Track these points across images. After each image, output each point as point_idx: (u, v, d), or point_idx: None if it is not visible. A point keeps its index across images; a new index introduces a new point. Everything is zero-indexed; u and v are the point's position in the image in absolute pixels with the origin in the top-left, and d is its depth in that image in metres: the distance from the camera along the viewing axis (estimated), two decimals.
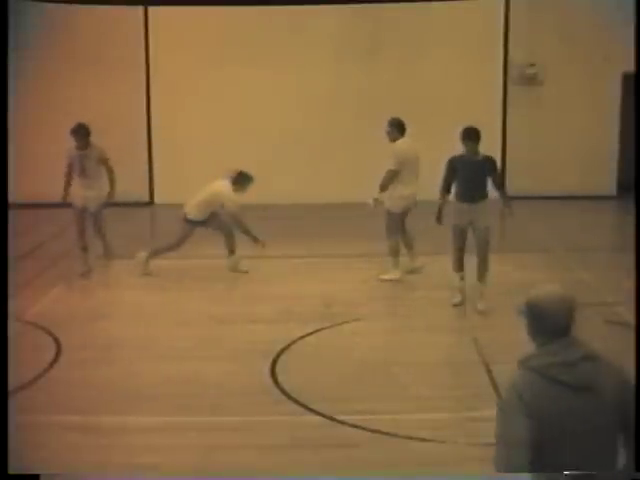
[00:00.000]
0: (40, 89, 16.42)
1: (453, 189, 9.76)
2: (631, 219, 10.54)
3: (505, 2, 16.73)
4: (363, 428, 6.78)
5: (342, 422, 6.90)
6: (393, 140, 10.92)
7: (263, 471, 6.15)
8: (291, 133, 16.47)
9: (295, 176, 16.27)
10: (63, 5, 16.17)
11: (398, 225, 11.08)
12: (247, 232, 11.33)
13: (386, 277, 11.05)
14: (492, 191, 9.81)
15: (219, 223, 11.61)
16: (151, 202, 17.24)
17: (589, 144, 16.73)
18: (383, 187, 10.80)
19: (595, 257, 12.33)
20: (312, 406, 7.19)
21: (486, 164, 9.68)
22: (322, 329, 9.22)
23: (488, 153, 9.89)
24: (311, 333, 9.09)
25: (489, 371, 7.72)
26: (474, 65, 16.57)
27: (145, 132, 17.03)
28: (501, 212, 10.34)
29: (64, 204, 11.46)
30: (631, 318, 8.62)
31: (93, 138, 11.25)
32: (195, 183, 11.81)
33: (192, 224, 11.45)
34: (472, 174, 9.58)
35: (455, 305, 9.90)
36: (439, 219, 9.80)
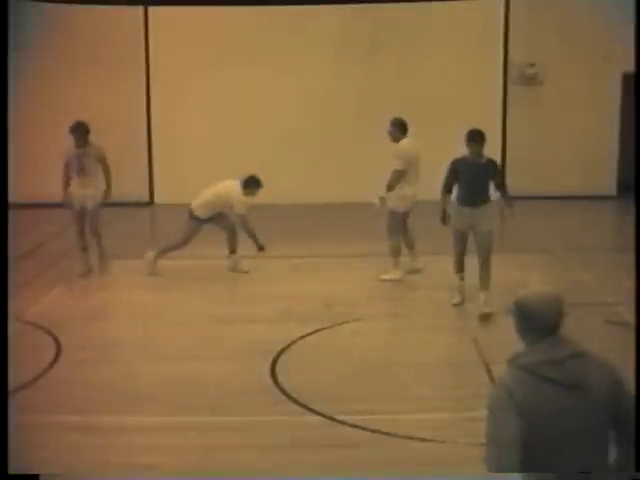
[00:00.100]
0: (40, 89, 16.42)
1: (454, 192, 9.67)
2: (631, 219, 10.54)
3: (505, 2, 16.73)
4: (363, 428, 6.78)
5: (342, 422, 6.90)
6: (395, 140, 10.92)
7: (263, 471, 6.15)
8: (291, 133, 16.47)
9: (295, 176, 16.27)
10: (63, 5, 16.16)
11: (400, 225, 11.08)
12: (253, 236, 11.33)
13: (386, 277, 11.05)
14: (493, 192, 9.78)
15: (225, 222, 11.62)
16: (151, 202, 17.24)
17: (589, 144, 16.74)
18: (390, 187, 10.79)
19: (595, 257, 12.33)
20: (312, 406, 7.19)
21: (489, 167, 9.59)
22: (322, 329, 9.22)
23: (488, 153, 9.82)
24: (311, 333, 9.09)
25: (489, 371, 7.72)
26: (474, 65, 16.57)
27: (145, 132, 17.03)
28: (501, 212, 10.34)
29: (64, 204, 11.45)
30: (631, 318, 8.62)
31: (93, 138, 11.23)
32: (195, 183, 11.82)
33: (198, 221, 11.46)
34: (475, 177, 9.47)
35: (455, 305, 9.90)
36: (444, 220, 9.69)
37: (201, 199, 11.47)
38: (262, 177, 11.52)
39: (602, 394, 3.63)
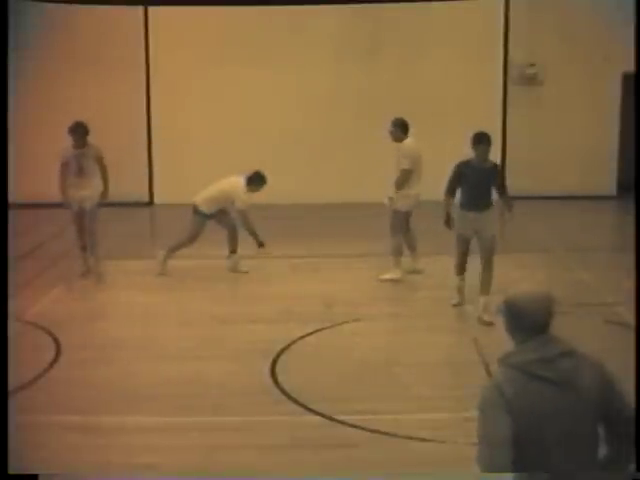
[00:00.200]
0: (40, 89, 16.43)
1: (458, 195, 9.56)
2: (631, 219, 10.53)
3: (505, 2, 16.73)
4: (363, 428, 6.78)
5: (342, 422, 6.90)
6: (396, 140, 10.91)
7: (263, 471, 6.15)
8: (291, 133, 16.47)
9: (295, 176, 16.26)
10: (63, 5, 16.17)
11: (403, 224, 11.08)
12: (253, 233, 11.34)
13: (386, 277, 11.04)
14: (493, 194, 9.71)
15: (227, 220, 11.63)
16: (151, 202, 17.24)
17: (589, 144, 16.73)
18: (399, 186, 10.80)
19: (595, 257, 12.33)
20: (312, 406, 7.19)
21: (493, 171, 9.50)
22: (322, 329, 9.22)
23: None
24: (311, 333, 9.09)
25: (489, 371, 7.71)
26: (474, 65, 16.56)
27: (145, 132, 17.03)
28: (501, 214, 10.30)
29: (64, 204, 11.43)
30: (631, 318, 8.62)
31: (93, 138, 11.19)
32: (195, 183, 11.82)
33: (203, 217, 11.48)
34: (480, 182, 9.35)
35: (454, 306, 9.89)
36: (448, 223, 9.56)
37: (205, 194, 11.50)
38: None
39: (592, 393, 3.65)
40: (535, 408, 3.57)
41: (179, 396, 7.50)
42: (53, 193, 11.53)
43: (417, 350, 8.73)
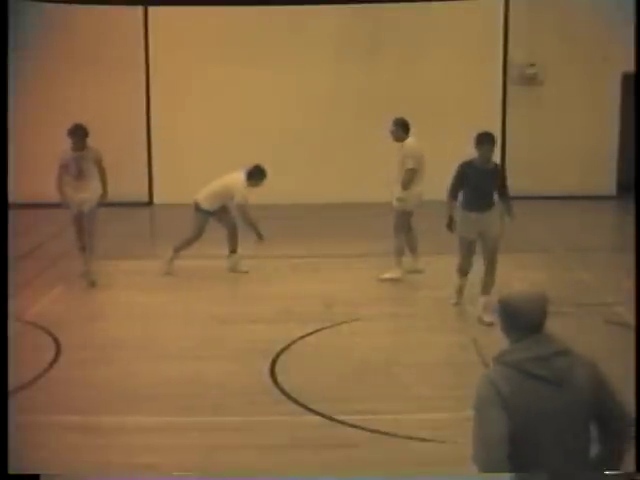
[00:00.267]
0: (40, 89, 16.42)
1: (460, 196, 9.48)
2: (631, 219, 10.53)
3: (505, 2, 16.73)
4: (363, 428, 6.78)
5: (342, 422, 6.90)
6: (398, 140, 10.91)
7: (263, 471, 6.15)
8: (291, 133, 16.47)
9: (295, 176, 16.26)
10: (62, 5, 16.17)
11: (406, 224, 11.06)
12: (253, 225, 11.33)
13: (387, 276, 11.04)
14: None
15: (228, 218, 11.63)
16: (150, 202, 17.23)
17: (589, 144, 16.73)
18: (406, 186, 10.79)
19: (595, 257, 12.33)
20: (312, 406, 7.19)
21: (495, 172, 9.45)
22: (322, 329, 9.22)
23: None
24: (311, 333, 9.09)
25: None
26: (474, 65, 16.57)
27: (145, 132, 17.03)
28: (501, 216, 10.24)
29: (64, 204, 11.41)
30: (631, 318, 8.62)
31: (92, 138, 11.12)
32: (195, 183, 11.81)
33: (205, 214, 11.49)
34: (483, 182, 9.29)
35: (454, 305, 9.88)
36: (450, 226, 9.48)
37: (206, 191, 11.53)
38: None
39: (586, 392, 3.68)
40: (531, 406, 3.60)
41: (179, 396, 7.50)
42: (53, 193, 11.51)
43: (417, 350, 8.72)
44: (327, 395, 7.44)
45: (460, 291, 9.88)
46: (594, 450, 3.77)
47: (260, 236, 11.35)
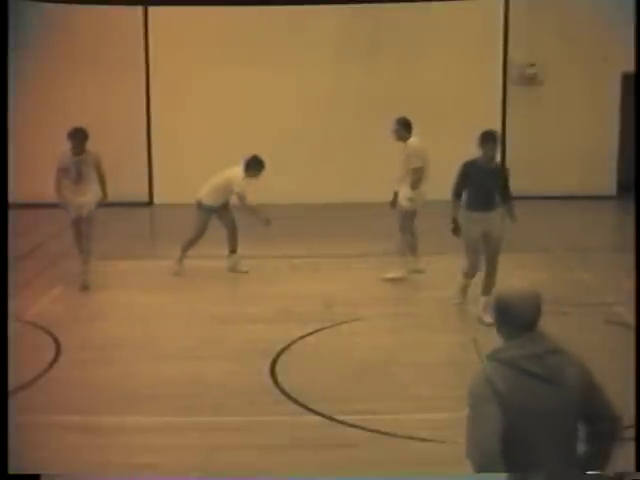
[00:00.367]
0: (39, 89, 16.43)
1: (464, 195, 9.39)
2: (631, 219, 10.54)
3: (505, 2, 16.74)
4: (363, 428, 6.78)
5: (342, 422, 6.90)
6: (400, 139, 10.90)
7: (263, 471, 6.15)
8: (291, 133, 16.47)
9: (295, 176, 16.27)
10: (62, 5, 16.18)
11: (411, 223, 11.04)
12: (256, 212, 11.32)
13: (390, 276, 11.01)
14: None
15: (228, 217, 11.62)
16: (151, 202, 17.24)
17: (589, 144, 16.74)
18: (415, 185, 10.78)
19: (595, 257, 12.33)
20: (312, 406, 7.19)
21: (500, 172, 9.41)
22: (322, 329, 9.22)
23: None
24: (311, 333, 9.09)
25: None
26: (474, 65, 16.57)
27: (145, 132, 17.04)
28: (502, 217, 10.20)
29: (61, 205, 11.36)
30: (631, 318, 8.62)
31: (92, 139, 11.04)
32: (195, 183, 11.81)
33: (207, 211, 11.50)
34: (486, 181, 9.22)
35: (457, 304, 9.86)
36: (455, 231, 9.35)
37: (207, 187, 11.55)
38: (262, 177, 11.53)
39: (576, 391, 3.71)
40: (525, 403, 3.63)
41: (179, 396, 7.50)
42: (52, 194, 11.50)
43: (417, 350, 8.72)
44: (327, 395, 7.44)
45: (464, 291, 9.84)
46: (580, 450, 3.80)
47: (267, 221, 11.34)
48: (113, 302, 10.69)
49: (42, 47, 16.36)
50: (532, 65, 16.77)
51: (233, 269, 11.67)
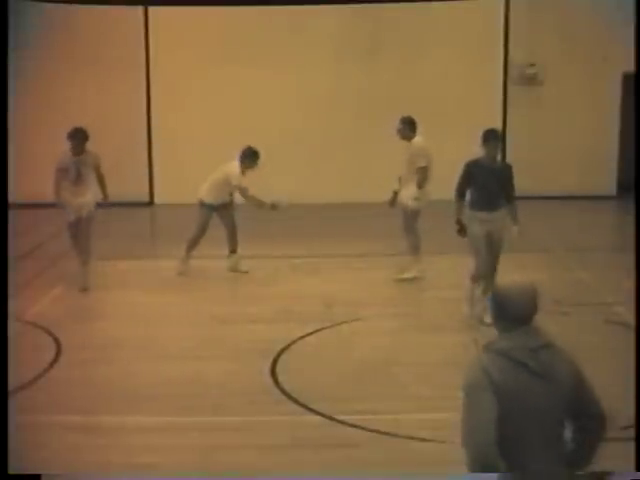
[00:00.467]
0: (40, 89, 16.42)
1: (467, 195, 9.30)
2: (631, 219, 10.54)
3: (505, 2, 16.74)
4: (363, 428, 6.78)
5: (342, 422, 6.90)
6: (405, 138, 10.88)
7: (263, 471, 6.16)
8: (291, 133, 16.46)
9: (295, 176, 16.27)
10: (62, 5, 16.17)
11: (415, 223, 11.00)
12: (258, 202, 11.31)
13: (404, 276, 10.94)
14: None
15: (228, 216, 11.62)
16: (151, 202, 17.23)
17: (589, 144, 16.74)
18: (421, 185, 10.76)
19: (595, 257, 12.33)
20: (312, 406, 7.19)
21: (503, 171, 9.30)
22: (322, 329, 9.22)
23: None
24: (311, 333, 9.09)
25: None
26: (474, 65, 16.57)
27: (145, 132, 17.03)
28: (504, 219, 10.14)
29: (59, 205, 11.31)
30: (631, 318, 8.62)
31: (93, 139, 10.96)
32: (195, 183, 11.81)
33: (208, 209, 11.52)
34: (489, 181, 9.12)
35: (464, 316, 9.55)
36: (461, 232, 9.23)
37: (207, 184, 11.56)
38: (262, 177, 11.54)
39: (566, 387, 3.78)
40: (519, 394, 3.70)
41: (179, 396, 7.50)
42: (51, 194, 11.48)
43: (417, 350, 8.72)
44: (327, 395, 7.44)
45: (472, 300, 9.45)
46: (566, 445, 3.86)
47: (274, 206, 11.33)
48: (113, 302, 10.69)
49: (42, 47, 16.36)
50: (532, 65, 16.77)
51: (233, 269, 11.67)
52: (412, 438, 6.61)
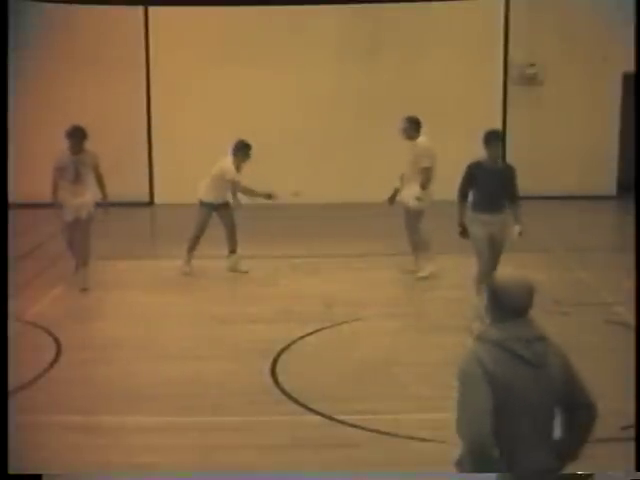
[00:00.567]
0: (40, 89, 16.42)
1: (470, 197, 9.22)
2: (631, 219, 10.54)
3: (505, 2, 16.74)
4: (363, 428, 6.78)
5: (342, 422, 6.90)
6: (409, 138, 10.87)
7: (263, 471, 6.15)
8: (291, 133, 16.46)
9: (295, 176, 16.25)
10: (62, 5, 16.17)
11: (418, 222, 10.98)
12: (254, 194, 11.34)
13: (424, 274, 10.92)
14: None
15: (228, 215, 11.62)
16: (151, 202, 17.23)
17: (589, 144, 16.74)
18: (425, 185, 10.74)
19: (595, 257, 12.33)
20: (312, 406, 7.19)
21: (506, 173, 9.19)
22: (322, 329, 9.22)
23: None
24: (311, 333, 9.09)
25: None
26: (474, 65, 16.57)
27: (145, 132, 17.03)
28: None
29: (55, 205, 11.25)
30: (631, 318, 8.62)
31: (92, 139, 10.89)
32: (195, 183, 11.81)
33: (207, 207, 11.53)
34: (492, 183, 9.02)
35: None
36: (463, 234, 9.16)
37: (205, 183, 11.56)
38: (262, 177, 11.54)
39: (558, 379, 3.83)
40: (513, 384, 3.74)
41: (179, 396, 7.50)
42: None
43: (417, 350, 8.72)
44: (327, 395, 7.44)
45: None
46: (556, 436, 3.92)
47: (269, 196, 11.36)
48: (113, 302, 10.69)
49: (42, 47, 16.35)
50: (532, 65, 16.77)
51: (233, 269, 11.67)
52: (412, 438, 6.61)
